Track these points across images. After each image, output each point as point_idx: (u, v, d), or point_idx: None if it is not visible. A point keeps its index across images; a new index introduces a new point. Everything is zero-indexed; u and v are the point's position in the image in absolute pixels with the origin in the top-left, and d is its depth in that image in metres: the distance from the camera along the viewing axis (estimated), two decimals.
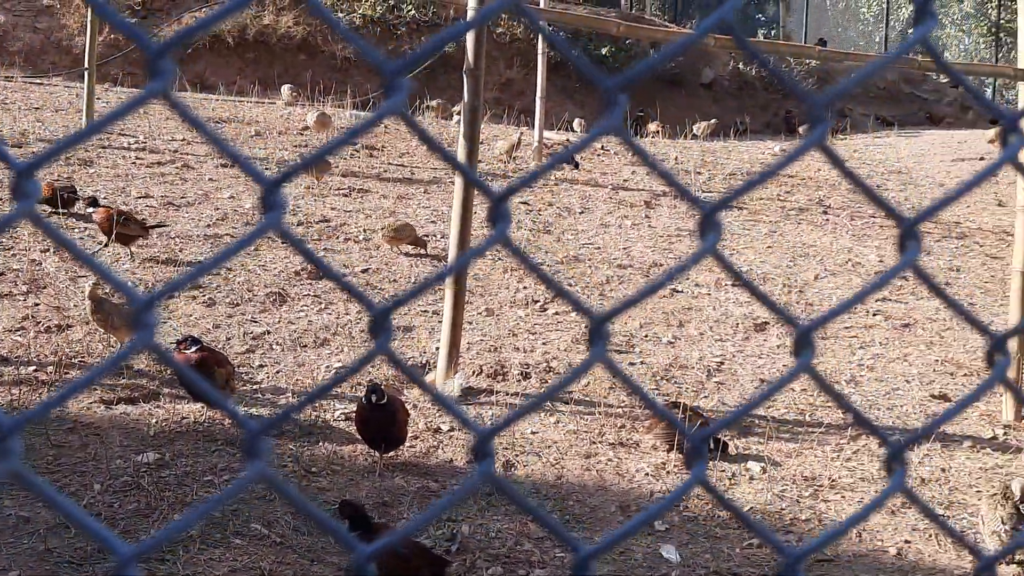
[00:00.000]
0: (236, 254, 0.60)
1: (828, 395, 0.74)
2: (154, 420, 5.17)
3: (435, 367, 6.02)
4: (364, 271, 7.65)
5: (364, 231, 8.48)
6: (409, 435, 5.19)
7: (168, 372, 5.61)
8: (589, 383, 6.17)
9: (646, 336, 7.05)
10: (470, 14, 6.05)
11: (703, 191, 11.22)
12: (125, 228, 7.14)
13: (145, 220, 7.64)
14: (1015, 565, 4.54)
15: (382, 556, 3.71)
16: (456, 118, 12.31)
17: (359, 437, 5.04)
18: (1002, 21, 26.05)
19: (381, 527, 4.02)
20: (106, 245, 7.22)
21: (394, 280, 7.56)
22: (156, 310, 0.52)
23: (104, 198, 8.52)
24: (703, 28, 0.65)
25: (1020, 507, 4.39)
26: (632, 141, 0.66)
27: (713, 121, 16.79)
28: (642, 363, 6.60)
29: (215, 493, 4.55)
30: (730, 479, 5.26)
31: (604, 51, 18.58)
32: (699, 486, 0.69)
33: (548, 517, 0.70)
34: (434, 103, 14.45)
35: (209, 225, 8.22)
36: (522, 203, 9.91)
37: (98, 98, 10.78)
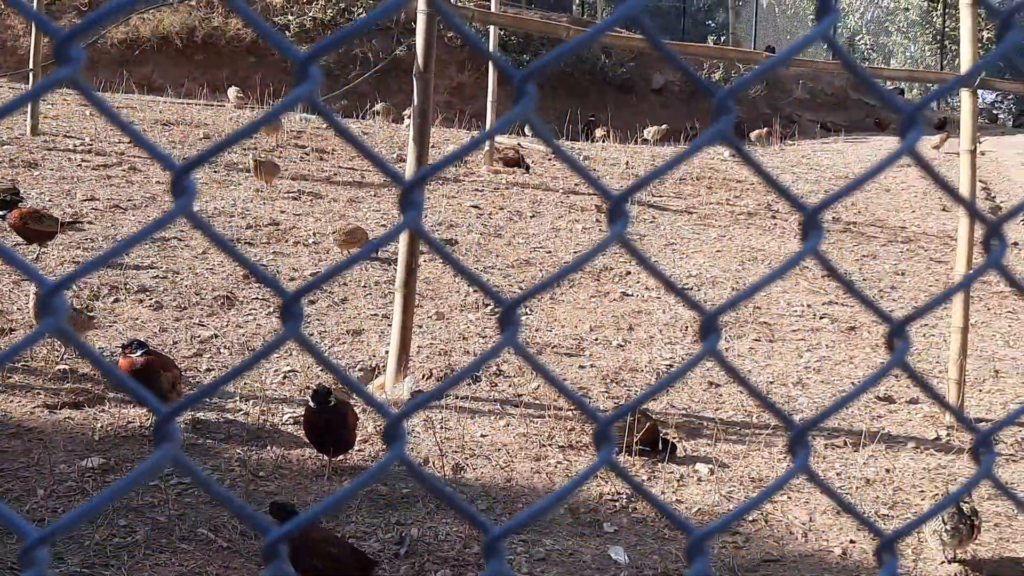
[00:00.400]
0: (146, 238, 0.61)
1: (733, 378, 0.76)
2: (99, 425, 5.11)
3: (384, 371, 6.01)
4: (313, 275, 7.62)
5: (314, 235, 8.44)
6: (358, 439, 5.17)
7: None
8: (539, 386, 6.19)
9: (596, 339, 7.09)
10: (420, 17, 6.05)
11: (654, 195, 11.30)
12: (39, 225, 7.03)
13: (60, 217, 7.54)
14: (957, 564, 4.62)
15: (312, 556, 3.67)
16: (407, 122, 12.28)
17: (307, 441, 5.02)
18: (947, 29, 26.51)
19: (313, 528, 3.99)
20: (41, 246, 7.10)
21: (344, 284, 7.53)
22: (64, 295, 0.52)
23: (49, 200, 8.41)
24: (608, 22, 0.67)
25: (962, 507, 4.47)
26: (542, 129, 0.67)
27: (664, 126, 16.91)
28: (592, 366, 6.63)
29: (161, 496, 4.51)
30: (678, 481, 5.30)
31: None
32: (607, 468, 0.70)
33: (459, 500, 0.71)
34: (378, 107, 14.38)
35: None
36: (473, 207, 9.92)
37: (43, 99, 10.63)
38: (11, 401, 5.28)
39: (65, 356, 5.75)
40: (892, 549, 0.76)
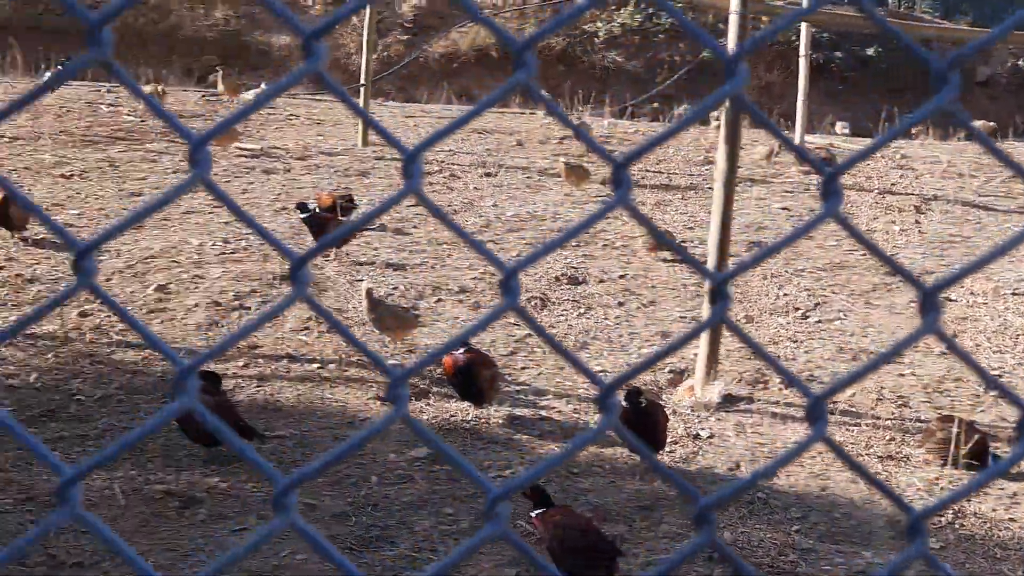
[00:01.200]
0: (587, 228, 0.65)
1: None
2: (424, 417, 5.42)
3: (693, 374, 6.00)
4: (621, 277, 7.71)
5: (622, 237, 8.55)
6: (668, 440, 5.20)
7: (437, 372, 5.85)
8: (855, 394, 5.98)
9: (916, 346, 6.75)
10: (732, 18, 6.00)
11: (979, 195, 10.61)
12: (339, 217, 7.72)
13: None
14: None
15: (565, 535, 3.71)
16: (714, 124, 12.20)
17: (619, 440, 5.10)
18: None
19: (564, 507, 4.15)
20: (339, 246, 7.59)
21: (652, 286, 7.57)
22: (518, 277, 0.58)
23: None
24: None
25: None
26: (963, 116, 0.67)
27: (991, 123, 15.82)
28: (912, 374, 6.33)
29: (478, 492, 4.73)
30: (1010, 498, 4.96)
31: (871, 51, 17.91)
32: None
33: (875, 479, 0.71)
34: (681, 109, 14.31)
35: (473, 232, 8.53)
36: (782, 208, 9.71)
37: (372, 112, 11.40)
38: (348, 393, 5.70)
39: (394, 352, 6.14)
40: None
